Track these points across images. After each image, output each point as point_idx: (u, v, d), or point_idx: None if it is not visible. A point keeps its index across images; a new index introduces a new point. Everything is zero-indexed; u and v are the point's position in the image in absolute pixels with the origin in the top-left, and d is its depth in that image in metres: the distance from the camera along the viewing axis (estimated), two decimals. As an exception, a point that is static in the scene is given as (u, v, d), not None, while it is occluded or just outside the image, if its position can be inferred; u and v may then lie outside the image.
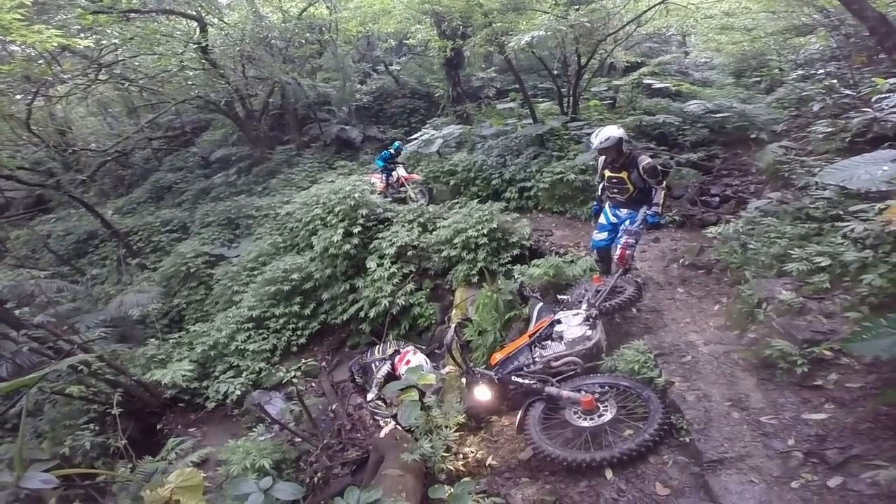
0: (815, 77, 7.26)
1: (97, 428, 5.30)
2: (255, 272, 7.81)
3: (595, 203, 4.79)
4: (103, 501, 3.99)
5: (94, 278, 9.91)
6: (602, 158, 4.42)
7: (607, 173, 4.37)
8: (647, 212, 4.26)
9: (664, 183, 4.27)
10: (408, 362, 4.05)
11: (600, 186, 4.60)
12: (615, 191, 4.41)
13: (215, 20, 11.12)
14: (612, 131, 4.18)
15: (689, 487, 2.64)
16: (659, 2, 7.26)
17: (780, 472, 2.51)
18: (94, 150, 13.69)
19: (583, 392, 3.19)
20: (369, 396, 3.90)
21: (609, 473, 2.85)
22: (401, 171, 8.51)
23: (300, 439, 5.03)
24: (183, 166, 14.55)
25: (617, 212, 4.50)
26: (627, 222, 4.41)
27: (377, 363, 4.06)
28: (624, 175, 4.26)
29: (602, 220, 4.65)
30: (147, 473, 3.58)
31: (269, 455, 4.38)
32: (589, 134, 7.70)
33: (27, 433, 5.63)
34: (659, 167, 4.28)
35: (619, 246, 4.39)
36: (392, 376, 3.86)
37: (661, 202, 4.21)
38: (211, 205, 11.37)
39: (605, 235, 4.64)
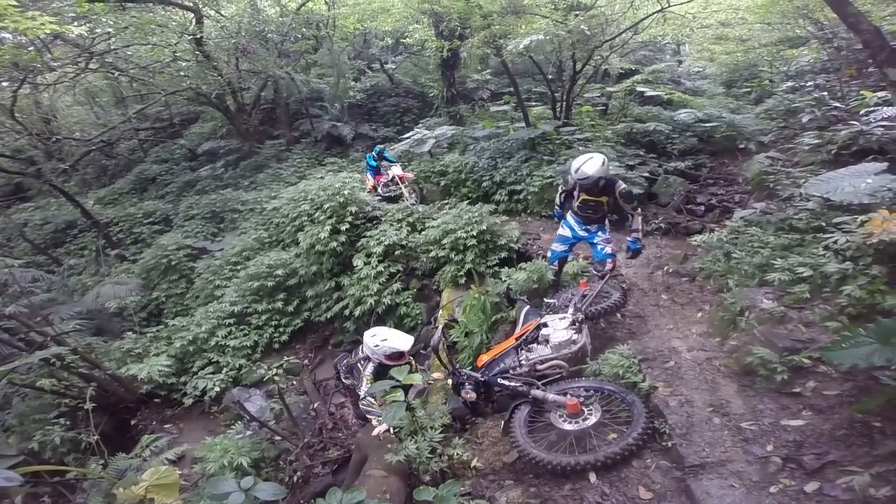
0: (805, 89, 7.39)
1: (68, 423, 5.15)
2: (239, 267, 7.68)
3: (558, 209, 4.69)
4: (73, 498, 3.87)
5: (72, 269, 9.66)
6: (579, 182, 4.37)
7: (584, 197, 4.34)
8: (628, 239, 4.30)
9: (639, 208, 4.33)
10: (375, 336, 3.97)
11: (562, 200, 4.56)
12: (590, 211, 4.42)
13: (212, 12, 10.97)
14: (595, 167, 4.08)
15: (672, 492, 2.65)
16: (657, 10, 7.33)
17: (759, 477, 2.54)
18: (79, 139, 13.38)
19: (568, 395, 3.18)
20: (360, 394, 3.83)
21: (593, 477, 2.85)
22: (396, 170, 8.45)
23: (280, 438, 4.95)
24: (169, 158, 14.30)
25: (587, 227, 4.52)
26: (600, 233, 4.47)
27: (362, 361, 4.01)
28: (603, 199, 4.28)
29: (566, 232, 4.61)
30: (120, 470, 3.48)
31: (247, 453, 4.30)
32: (580, 140, 7.81)
33: (-6, 428, 5.44)
34: (633, 192, 4.36)
35: (606, 259, 4.36)
36: (381, 371, 3.81)
37: (640, 228, 4.25)
38: (196, 197, 11.18)
39: (566, 247, 4.71)
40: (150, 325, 7.45)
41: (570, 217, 4.60)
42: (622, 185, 4.19)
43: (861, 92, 5.79)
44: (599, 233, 4.46)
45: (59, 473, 3.74)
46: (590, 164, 4.09)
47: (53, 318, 6.60)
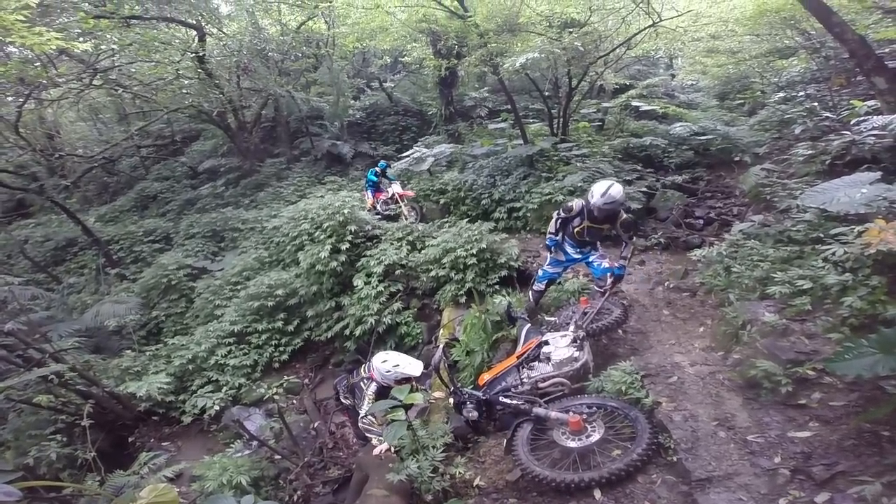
0: (796, 99, 7.43)
1: (64, 439, 5.10)
2: (239, 286, 7.68)
3: (553, 236, 4.55)
4: (69, 518, 3.80)
5: (71, 287, 9.64)
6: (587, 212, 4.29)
7: (587, 224, 4.30)
8: (615, 265, 4.31)
9: (633, 238, 4.38)
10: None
11: (558, 227, 4.48)
12: (588, 237, 4.42)
13: (214, 30, 11.18)
14: (619, 192, 4.06)
15: (678, 507, 2.61)
16: (649, 25, 7.46)
17: (768, 490, 2.50)
18: (81, 155, 13.50)
19: (571, 413, 3.16)
20: (361, 414, 3.80)
21: (598, 493, 2.81)
22: (396, 188, 8.46)
23: (280, 457, 4.88)
24: (170, 175, 14.40)
25: (581, 249, 4.54)
26: (594, 251, 4.51)
27: (365, 381, 3.98)
28: (605, 227, 4.29)
29: (560, 256, 4.63)
30: (117, 487, 3.43)
31: (246, 472, 4.24)
32: (578, 156, 7.88)
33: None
34: (634, 223, 4.41)
35: (606, 274, 4.29)
36: (383, 392, 3.78)
37: (629, 257, 4.31)
38: (196, 216, 11.23)
39: (559, 270, 4.74)
40: (150, 343, 7.42)
41: (566, 245, 4.60)
42: (625, 215, 4.23)
43: (851, 101, 5.85)
44: (593, 251, 4.49)
45: (56, 489, 3.68)
46: (614, 188, 4.06)
47: (52, 335, 6.57)
